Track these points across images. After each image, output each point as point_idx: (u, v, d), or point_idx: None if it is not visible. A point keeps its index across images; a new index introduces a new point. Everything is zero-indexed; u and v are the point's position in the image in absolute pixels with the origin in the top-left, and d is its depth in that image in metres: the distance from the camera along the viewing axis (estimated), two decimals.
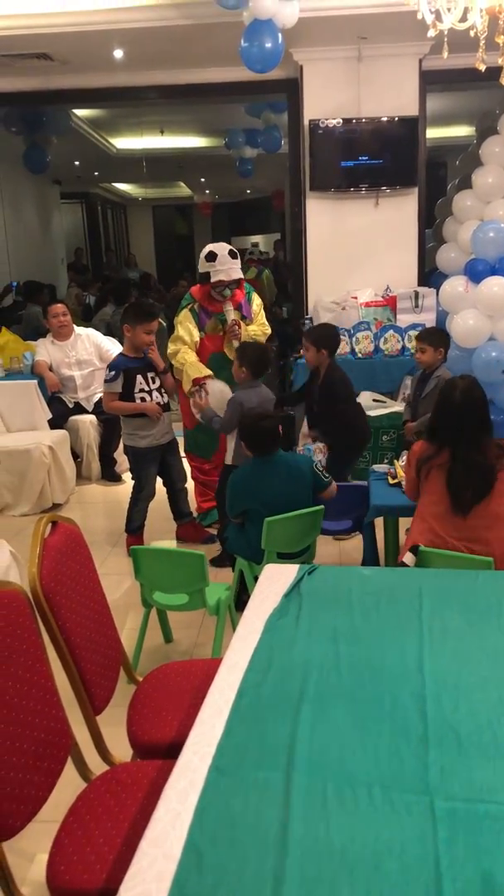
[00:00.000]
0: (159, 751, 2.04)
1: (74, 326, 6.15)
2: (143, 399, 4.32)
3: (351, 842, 1.32)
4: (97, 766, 2.03)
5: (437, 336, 4.49)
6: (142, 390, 4.32)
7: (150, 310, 4.49)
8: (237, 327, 4.56)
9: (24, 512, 5.32)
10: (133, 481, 4.56)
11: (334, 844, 1.32)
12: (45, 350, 6.02)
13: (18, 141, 8.16)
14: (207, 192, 16.70)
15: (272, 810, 1.40)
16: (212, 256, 4.47)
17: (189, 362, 4.44)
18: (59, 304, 6.01)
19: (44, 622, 1.93)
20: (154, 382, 4.35)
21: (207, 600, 3.16)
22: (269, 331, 4.81)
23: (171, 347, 4.57)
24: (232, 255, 4.50)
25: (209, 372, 4.45)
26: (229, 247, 4.55)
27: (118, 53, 5.51)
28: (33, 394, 5.75)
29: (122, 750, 2.15)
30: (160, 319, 7.93)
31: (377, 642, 1.98)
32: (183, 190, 16.06)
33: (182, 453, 4.75)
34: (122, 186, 15.62)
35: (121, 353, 4.52)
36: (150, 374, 4.35)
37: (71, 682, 2.01)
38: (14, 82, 6.05)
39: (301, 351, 4.43)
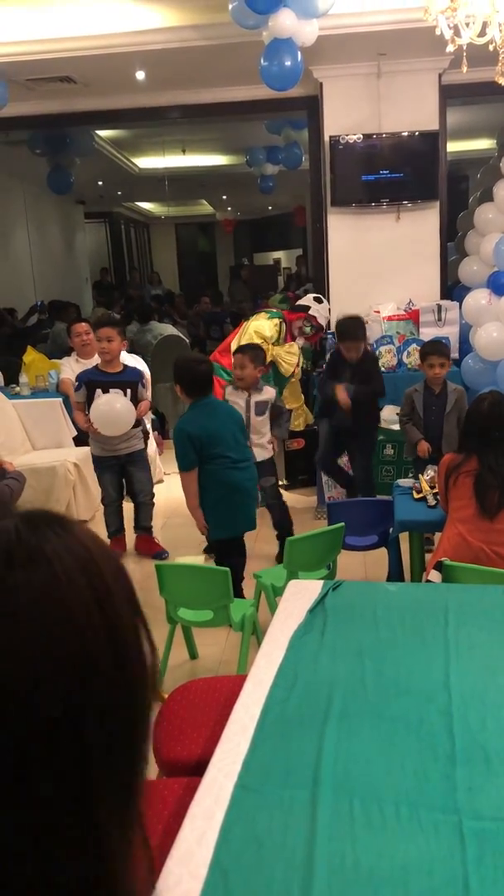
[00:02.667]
0: (185, 768, 2.03)
1: None
2: None
3: (378, 861, 1.31)
4: None
5: (448, 348, 4.52)
6: None
7: (101, 318, 4.77)
8: None
9: None
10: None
11: (361, 864, 1.30)
12: (69, 368, 6.06)
13: (42, 162, 8.28)
14: (229, 209, 16.81)
15: (298, 828, 1.38)
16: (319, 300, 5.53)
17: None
18: (83, 323, 6.06)
19: None
20: None
21: (232, 616, 3.15)
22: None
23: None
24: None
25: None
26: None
27: (140, 75, 5.58)
28: (58, 412, 5.79)
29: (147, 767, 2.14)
30: (182, 336, 7.99)
31: (403, 658, 1.96)
32: (205, 208, 16.18)
33: None
34: (145, 205, 15.77)
35: (95, 366, 4.70)
36: (113, 390, 4.46)
37: None
38: (38, 105, 6.15)
39: (345, 351, 4.73)
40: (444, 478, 3.12)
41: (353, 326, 4.66)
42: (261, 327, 5.34)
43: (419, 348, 5.53)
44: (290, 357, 5.34)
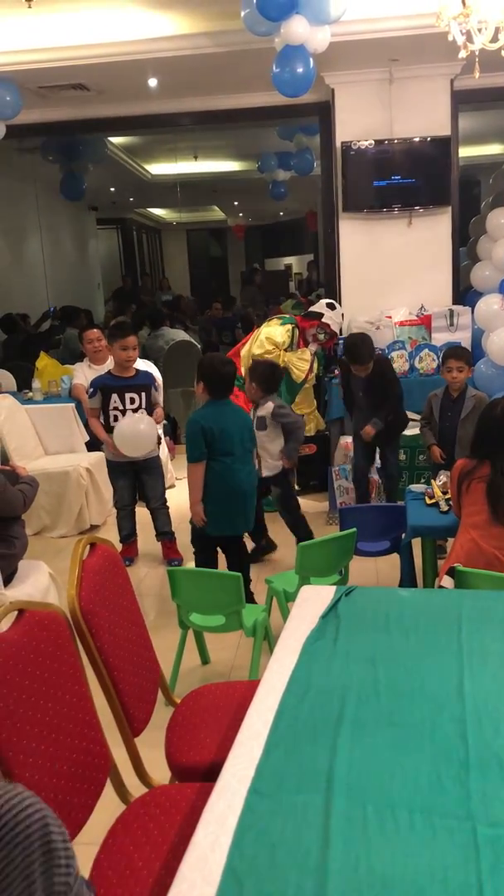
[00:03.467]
0: (198, 773, 2.04)
1: None
2: (115, 417, 4.52)
3: (392, 868, 1.30)
4: (136, 788, 2.03)
5: (468, 354, 4.46)
6: (115, 408, 4.53)
7: (124, 327, 4.79)
8: None
9: (63, 533, 5.37)
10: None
11: (375, 870, 1.30)
12: (82, 374, 6.08)
13: (55, 169, 8.33)
14: (241, 215, 16.85)
15: (312, 834, 1.38)
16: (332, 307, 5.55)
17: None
18: (95, 330, 6.09)
19: (82, 644, 1.94)
20: (132, 403, 4.53)
21: (244, 622, 3.15)
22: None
23: (258, 350, 5.27)
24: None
25: None
26: None
27: (152, 82, 5.61)
28: (71, 417, 5.82)
29: (160, 772, 2.15)
30: (194, 341, 8.00)
31: (416, 665, 1.96)
32: (216, 213, 16.22)
33: None
34: (157, 211, 15.83)
35: (108, 371, 4.75)
36: (128, 395, 4.52)
37: (109, 704, 2.01)
38: (51, 112, 6.19)
39: (353, 370, 4.72)
40: (457, 483, 3.11)
41: (358, 349, 4.60)
42: (272, 333, 5.36)
43: (432, 353, 5.54)
44: (301, 363, 5.36)
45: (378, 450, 4.93)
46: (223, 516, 3.75)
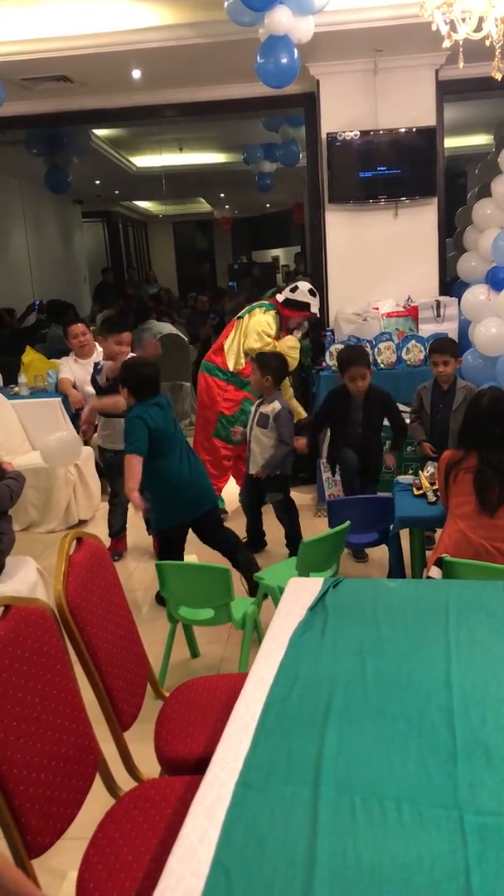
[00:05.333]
0: (187, 766, 2.04)
1: (97, 344, 6.18)
2: None
3: (380, 857, 1.31)
4: (125, 782, 2.03)
5: (454, 346, 4.45)
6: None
7: (120, 322, 4.84)
8: None
9: (51, 529, 5.35)
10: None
11: (363, 860, 1.30)
12: (68, 368, 6.05)
13: (40, 162, 8.27)
14: (227, 207, 16.80)
15: (300, 826, 1.39)
16: (314, 293, 5.18)
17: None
18: (79, 324, 6.04)
19: (70, 639, 1.94)
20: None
21: (233, 615, 3.16)
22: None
23: (257, 343, 5.01)
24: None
25: None
26: None
27: (136, 73, 5.57)
28: (58, 411, 5.79)
29: (149, 766, 2.15)
30: (180, 333, 7.98)
31: (403, 655, 1.96)
32: (203, 206, 16.17)
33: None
34: (143, 204, 15.76)
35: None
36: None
37: (98, 699, 2.01)
38: (34, 105, 6.14)
39: (350, 382, 4.53)
40: (444, 474, 3.12)
41: (351, 352, 4.57)
42: (263, 324, 5.13)
43: (419, 344, 5.54)
44: (293, 352, 5.21)
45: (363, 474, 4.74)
46: (169, 509, 3.72)
